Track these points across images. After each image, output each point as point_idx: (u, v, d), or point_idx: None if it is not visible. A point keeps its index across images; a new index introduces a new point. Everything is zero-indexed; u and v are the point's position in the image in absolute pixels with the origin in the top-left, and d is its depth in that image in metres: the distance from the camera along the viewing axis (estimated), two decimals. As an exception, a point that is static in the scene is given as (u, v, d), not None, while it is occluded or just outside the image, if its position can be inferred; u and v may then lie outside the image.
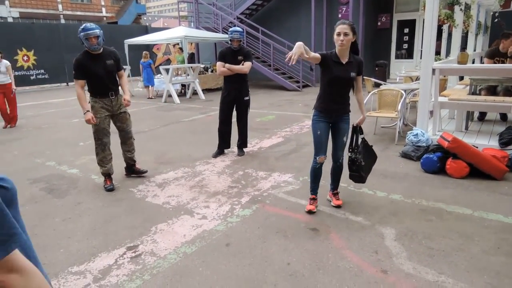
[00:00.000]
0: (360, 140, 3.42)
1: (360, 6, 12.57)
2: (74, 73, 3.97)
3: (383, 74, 11.80)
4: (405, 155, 4.92)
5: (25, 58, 16.73)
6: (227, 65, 4.97)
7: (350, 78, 3.19)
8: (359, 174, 3.39)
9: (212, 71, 13.72)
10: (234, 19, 14.57)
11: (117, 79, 4.27)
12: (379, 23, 13.84)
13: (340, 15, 12.85)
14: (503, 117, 6.31)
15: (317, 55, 3.07)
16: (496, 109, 5.41)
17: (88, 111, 3.97)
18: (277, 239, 2.99)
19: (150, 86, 12.40)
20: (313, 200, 3.52)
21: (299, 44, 2.85)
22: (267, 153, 5.44)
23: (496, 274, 2.44)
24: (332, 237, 2.99)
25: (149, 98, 12.34)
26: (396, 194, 3.78)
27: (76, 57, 3.99)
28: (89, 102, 4.07)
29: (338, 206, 3.50)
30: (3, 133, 7.59)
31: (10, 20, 27.60)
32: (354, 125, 3.39)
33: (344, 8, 12.69)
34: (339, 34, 3.04)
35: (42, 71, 17.50)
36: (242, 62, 5.03)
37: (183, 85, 12.93)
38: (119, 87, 4.30)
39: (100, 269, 2.68)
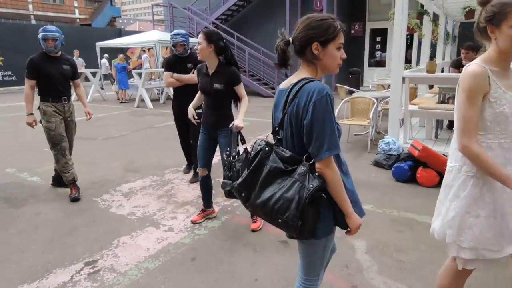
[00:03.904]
0: (242, 150, 2.87)
1: (334, 14, 12.72)
2: (26, 72, 3.81)
3: (356, 81, 11.97)
4: (377, 164, 4.92)
5: (-9, 58, 16.12)
6: (175, 75, 4.35)
7: (215, 90, 2.99)
8: (232, 182, 2.52)
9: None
10: (209, 24, 14.45)
11: (72, 87, 4.16)
12: (352, 31, 14.06)
13: (315, 23, 12.96)
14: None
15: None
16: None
17: (32, 113, 3.90)
18: (245, 252, 2.88)
19: (123, 90, 12.08)
20: (202, 211, 3.45)
21: (189, 109, 3.22)
22: (240, 161, 5.31)
23: (467, 287, 2.41)
24: (302, 250, 2.90)
25: (121, 102, 12.02)
26: (368, 204, 3.74)
27: (31, 57, 3.83)
28: (38, 108, 3.92)
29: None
30: (-40, 138, 7.16)
31: (-25, 19, 26.52)
32: (232, 127, 2.98)
33: (319, 16, 12.81)
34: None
35: (9, 72, 16.82)
36: (193, 70, 4.33)
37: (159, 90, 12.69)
38: (72, 96, 4.20)
39: (53, 287, 2.48)
